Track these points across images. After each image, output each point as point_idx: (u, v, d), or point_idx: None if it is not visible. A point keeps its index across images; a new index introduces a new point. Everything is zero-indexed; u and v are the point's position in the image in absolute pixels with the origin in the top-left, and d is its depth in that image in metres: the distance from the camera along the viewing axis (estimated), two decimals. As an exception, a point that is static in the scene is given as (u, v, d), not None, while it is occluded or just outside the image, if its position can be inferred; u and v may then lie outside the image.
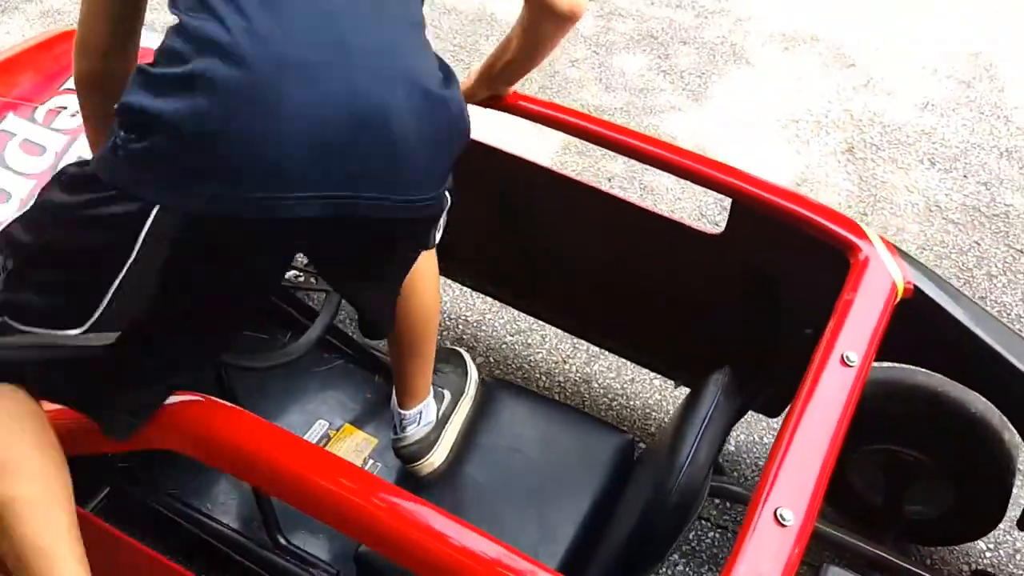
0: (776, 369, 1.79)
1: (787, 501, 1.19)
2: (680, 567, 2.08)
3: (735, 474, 2.23)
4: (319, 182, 1.07)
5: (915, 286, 1.53)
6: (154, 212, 1.05)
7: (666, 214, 1.93)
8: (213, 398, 1.33)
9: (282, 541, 1.77)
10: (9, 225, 1.20)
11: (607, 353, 2.44)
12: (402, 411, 1.73)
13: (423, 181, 1.16)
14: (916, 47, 3.59)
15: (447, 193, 1.29)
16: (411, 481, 1.72)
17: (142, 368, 1.25)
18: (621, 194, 2.04)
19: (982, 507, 1.85)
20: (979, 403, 1.72)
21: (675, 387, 2.37)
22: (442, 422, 1.77)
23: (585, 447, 1.80)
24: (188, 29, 1.06)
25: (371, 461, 1.95)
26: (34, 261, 1.16)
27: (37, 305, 1.16)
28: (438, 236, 1.43)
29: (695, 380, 1.55)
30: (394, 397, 1.76)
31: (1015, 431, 1.70)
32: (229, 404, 1.33)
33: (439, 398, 1.79)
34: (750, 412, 2.20)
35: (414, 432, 1.72)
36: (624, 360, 2.42)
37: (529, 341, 2.54)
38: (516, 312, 2.54)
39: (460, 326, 2.56)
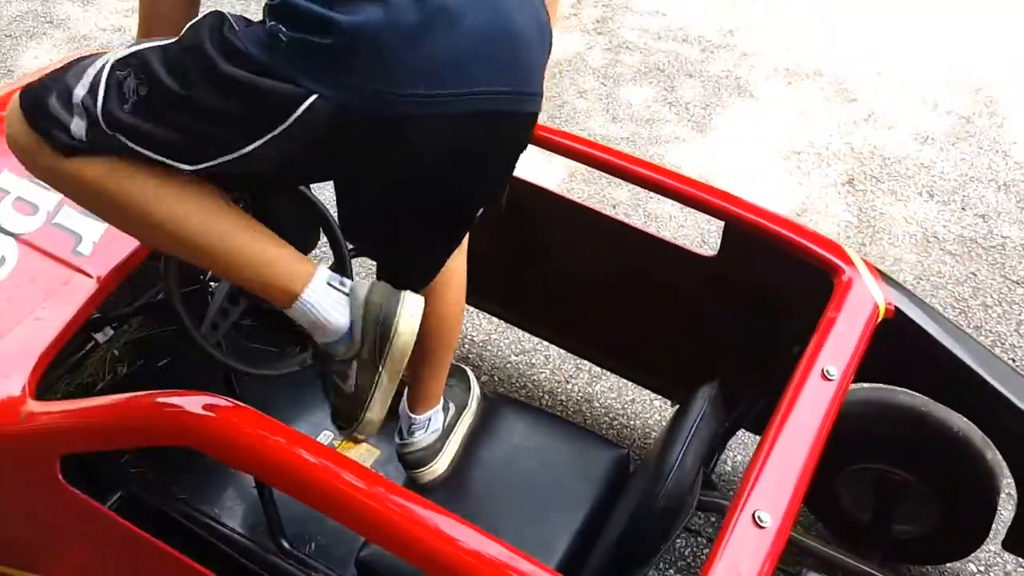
0: (765, 386, 1.85)
1: (765, 504, 1.25)
2: (675, 581, 2.13)
3: (731, 493, 2.28)
4: (476, 79, 1.23)
5: (896, 307, 1.59)
6: (310, 99, 1.17)
7: (664, 237, 2.00)
8: (240, 403, 1.40)
9: (286, 546, 1.83)
10: (146, 51, 1.25)
11: (608, 374, 2.51)
12: (413, 415, 1.79)
13: (538, 77, 1.35)
14: (917, 83, 3.67)
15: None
16: (413, 488, 1.78)
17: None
18: (623, 218, 2.12)
19: (966, 525, 1.90)
20: (960, 422, 1.77)
21: (672, 406, 2.43)
22: (446, 433, 1.82)
23: (582, 460, 1.85)
24: None
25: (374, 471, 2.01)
26: (173, 104, 1.23)
27: (161, 138, 1.24)
28: (504, 198, 1.54)
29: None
30: (403, 402, 1.81)
31: (996, 450, 1.75)
32: (251, 408, 1.40)
33: (445, 410, 1.85)
34: (747, 434, 2.25)
35: (421, 438, 1.78)
36: (625, 381, 2.48)
37: (533, 361, 2.61)
38: (520, 332, 2.61)
39: (466, 345, 2.63)
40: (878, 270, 1.65)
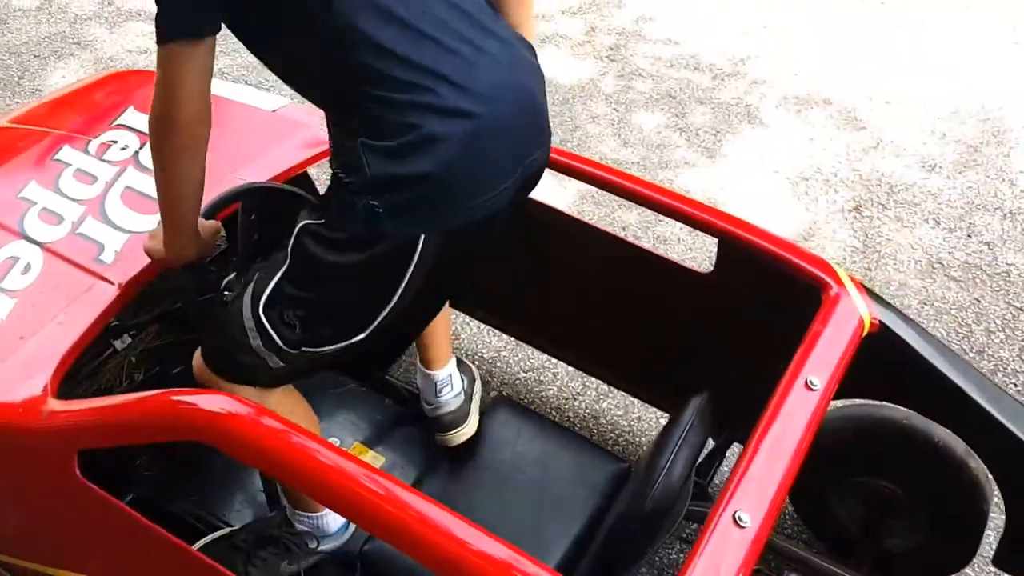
0: (756, 399, 1.89)
1: (746, 506, 1.30)
2: (670, 592, 2.17)
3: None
4: (522, 155, 1.48)
5: (881, 322, 1.64)
6: (421, 241, 1.39)
7: (664, 255, 2.07)
8: (262, 407, 1.46)
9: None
10: (276, 283, 1.48)
11: (615, 392, 2.56)
12: (435, 372, 1.96)
13: (548, 125, 1.58)
14: (926, 112, 3.73)
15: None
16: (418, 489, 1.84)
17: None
18: (630, 238, 2.18)
19: (954, 537, 1.93)
20: (941, 432, 1.80)
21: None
22: (468, 399, 2.00)
23: (583, 471, 1.91)
24: (403, 103, 1.35)
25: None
26: (321, 310, 1.49)
27: (331, 333, 1.51)
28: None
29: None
30: (421, 368, 1.98)
31: (979, 459, 1.78)
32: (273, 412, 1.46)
33: (460, 378, 2.02)
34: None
35: (448, 399, 1.96)
36: (632, 399, 2.54)
37: (541, 378, 2.67)
38: (529, 350, 2.67)
39: (476, 362, 2.69)
40: (864, 287, 1.70)
